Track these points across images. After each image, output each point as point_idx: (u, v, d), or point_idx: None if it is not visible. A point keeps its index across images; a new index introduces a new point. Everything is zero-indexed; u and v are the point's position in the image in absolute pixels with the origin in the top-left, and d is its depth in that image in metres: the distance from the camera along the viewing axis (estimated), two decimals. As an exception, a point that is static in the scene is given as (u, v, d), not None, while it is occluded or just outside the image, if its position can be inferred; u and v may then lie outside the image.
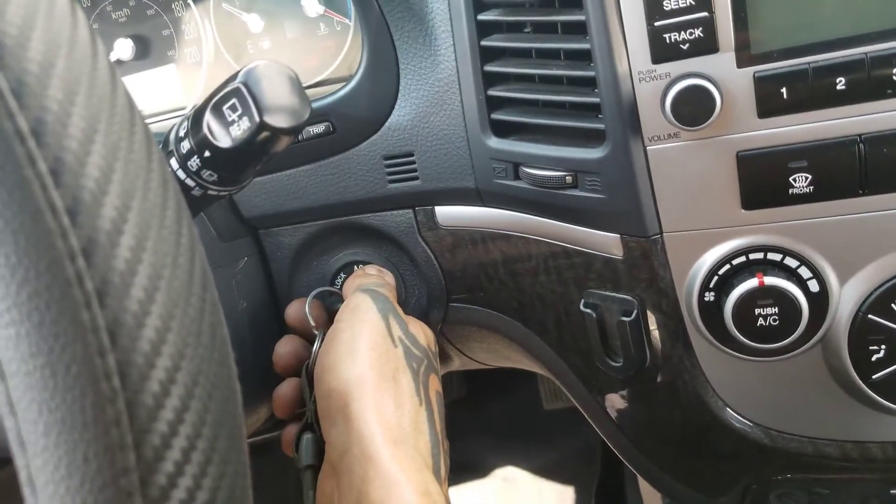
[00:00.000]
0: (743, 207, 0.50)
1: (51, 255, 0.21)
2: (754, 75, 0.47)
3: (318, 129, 0.62)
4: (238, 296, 0.66)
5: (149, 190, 0.23)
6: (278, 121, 0.39)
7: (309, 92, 0.72)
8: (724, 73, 0.47)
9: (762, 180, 0.49)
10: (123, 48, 0.76)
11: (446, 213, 0.63)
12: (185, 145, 0.41)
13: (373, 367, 0.50)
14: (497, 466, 1.35)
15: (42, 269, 0.21)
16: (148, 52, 0.78)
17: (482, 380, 1.27)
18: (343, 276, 0.69)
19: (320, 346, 0.56)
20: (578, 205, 0.55)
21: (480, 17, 0.55)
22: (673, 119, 0.48)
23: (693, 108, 0.47)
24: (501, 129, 0.58)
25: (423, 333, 0.59)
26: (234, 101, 0.39)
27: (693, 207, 0.52)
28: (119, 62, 0.77)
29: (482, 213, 0.62)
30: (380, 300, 0.56)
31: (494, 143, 0.57)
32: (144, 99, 0.79)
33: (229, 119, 0.39)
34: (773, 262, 0.51)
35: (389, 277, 0.65)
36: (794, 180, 0.48)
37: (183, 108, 0.78)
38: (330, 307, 0.65)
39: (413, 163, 0.62)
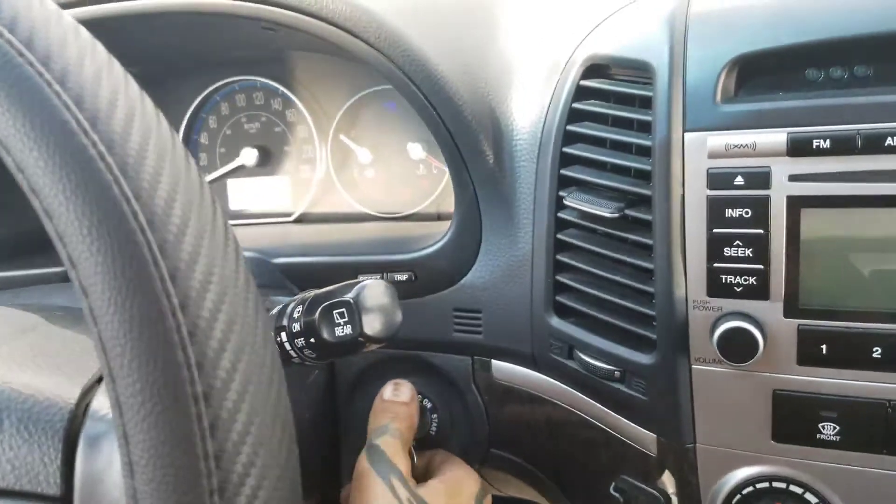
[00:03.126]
0: (773, 439, 0.54)
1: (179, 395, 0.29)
2: (798, 327, 0.51)
3: (402, 276, 0.69)
4: (303, 407, 0.72)
5: (254, 353, 0.31)
6: (375, 333, 0.47)
7: (399, 226, 0.80)
8: (771, 318, 0.52)
9: (794, 420, 0.53)
10: (249, 156, 0.85)
11: (502, 368, 0.69)
12: (297, 326, 0.49)
13: None
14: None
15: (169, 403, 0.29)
16: (268, 161, 0.87)
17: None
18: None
19: None
20: (623, 398, 0.60)
21: (560, 214, 0.61)
22: (718, 353, 0.52)
23: (737, 347, 0.52)
24: (563, 310, 0.63)
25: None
26: (343, 310, 0.47)
27: (727, 428, 0.55)
28: (242, 167, 0.87)
29: (535, 377, 0.67)
30: (382, 462, 0.59)
31: (555, 322, 0.63)
32: (258, 201, 0.89)
33: (336, 322, 0.47)
34: (793, 494, 0.54)
35: (413, 405, 0.67)
36: (823, 427, 0.52)
37: (289, 214, 0.86)
38: None
39: (479, 319, 0.68)
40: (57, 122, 0.30)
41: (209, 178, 0.89)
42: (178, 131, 0.88)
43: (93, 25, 0.62)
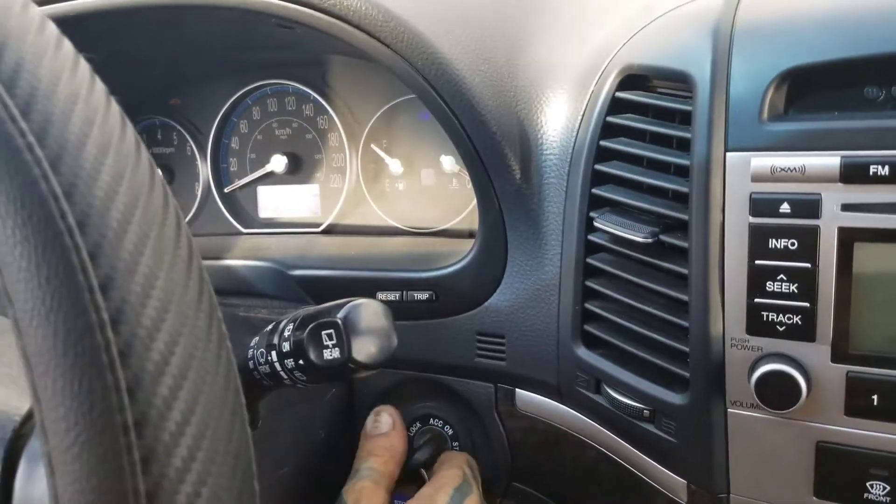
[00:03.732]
0: (814, 495, 0.49)
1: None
2: (847, 374, 0.46)
3: (423, 295, 0.65)
4: (319, 425, 0.69)
5: (203, 377, 0.27)
6: (363, 358, 0.43)
7: (426, 242, 0.76)
8: (816, 362, 0.47)
9: (839, 476, 0.47)
10: (278, 163, 0.83)
11: (525, 398, 0.65)
12: (286, 346, 0.45)
13: None
14: None
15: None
16: (298, 169, 0.85)
17: None
18: (419, 424, 0.72)
19: None
20: (652, 440, 0.55)
21: (590, 237, 0.57)
22: (756, 398, 0.47)
23: (777, 392, 0.46)
24: (591, 340, 0.59)
25: None
26: (331, 331, 0.43)
27: (765, 479, 0.50)
28: (271, 174, 0.85)
29: (559, 410, 0.63)
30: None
31: (582, 352, 0.59)
32: (288, 210, 0.86)
33: (325, 343, 0.43)
34: (837, 558, 0.49)
35: (393, 434, 0.65)
36: (871, 486, 0.46)
37: (318, 225, 0.84)
38: None
39: (503, 345, 0.64)
40: None
41: (238, 183, 0.87)
42: (208, 134, 0.86)
43: (104, 20, 0.61)
